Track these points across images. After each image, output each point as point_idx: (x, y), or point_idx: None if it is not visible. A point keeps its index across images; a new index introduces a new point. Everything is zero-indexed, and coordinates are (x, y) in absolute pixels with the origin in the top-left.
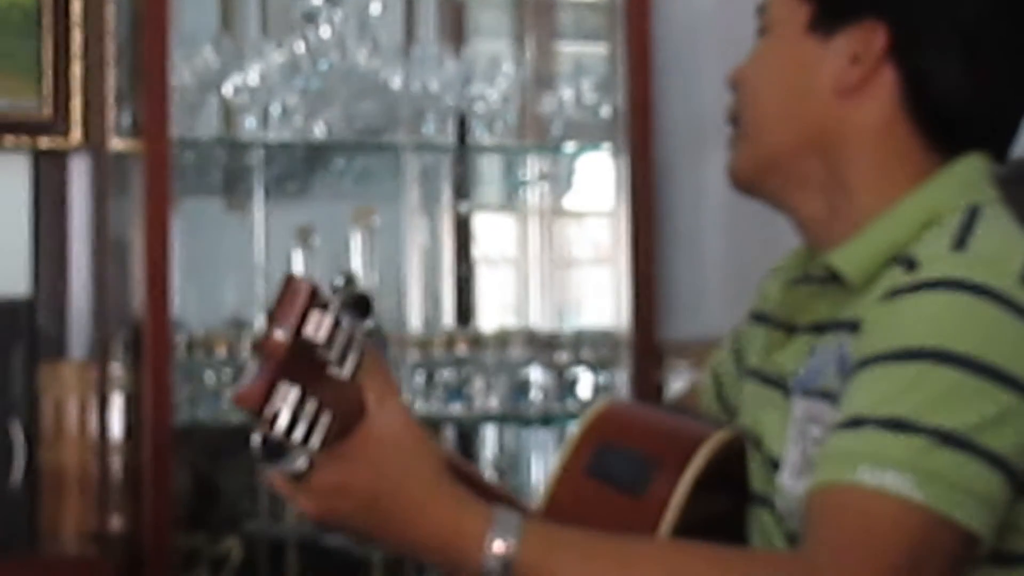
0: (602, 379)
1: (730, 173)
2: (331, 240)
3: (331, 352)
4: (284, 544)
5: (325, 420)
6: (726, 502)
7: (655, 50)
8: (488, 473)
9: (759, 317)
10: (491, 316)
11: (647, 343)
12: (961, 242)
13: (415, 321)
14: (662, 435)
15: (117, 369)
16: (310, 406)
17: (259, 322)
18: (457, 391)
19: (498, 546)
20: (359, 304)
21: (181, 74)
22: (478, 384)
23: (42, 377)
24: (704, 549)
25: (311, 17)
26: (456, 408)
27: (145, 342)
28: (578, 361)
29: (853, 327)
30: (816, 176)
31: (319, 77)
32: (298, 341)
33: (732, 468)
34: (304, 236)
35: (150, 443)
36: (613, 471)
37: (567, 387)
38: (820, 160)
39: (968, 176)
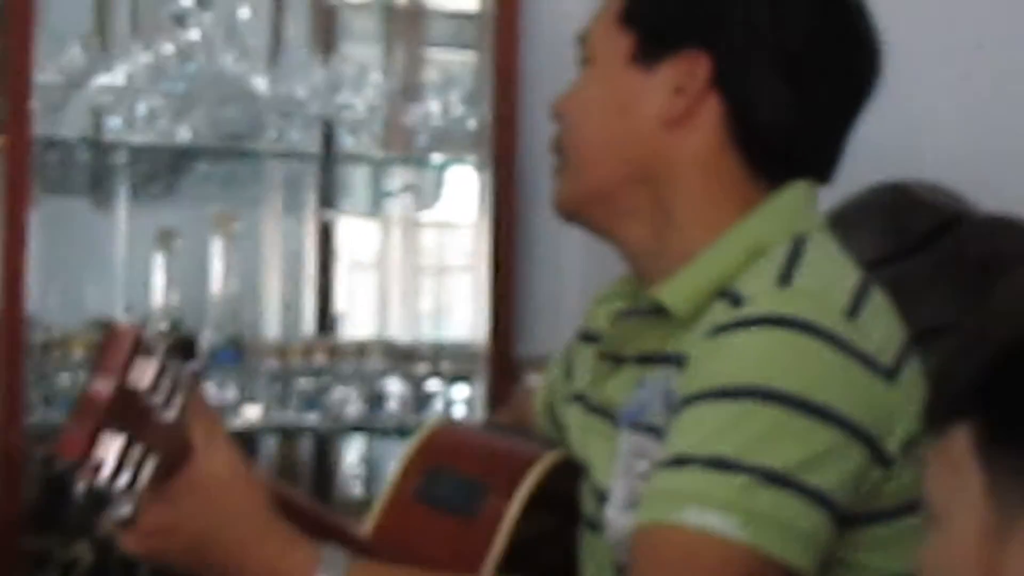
0: (459, 392)
1: (554, 203)
2: (193, 244)
3: (156, 397)
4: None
5: (151, 464)
6: (559, 522)
7: (523, 62)
8: (348, 483)
9: (588, 337)
10: (352, 326)
11: (504, 357)
12: (786, 277)
13: (273, 329)
14: (492, 457)
15: None
16: (136, 452)
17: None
18: (315, 400)
19: None
20: (183, 348)
21: (46, 72)
22: (336, 394)
23: None
24: None
25: (180, 20)
26: (313, 418)
27: None
28: (436, 373)
29: (679, 361)
30: (642, 207)
31: (186, 80)
32: (122, 390)
33: (565, 488)
34: (165, 240)
35: (1, 443)
36: (443, 495)
37: (424, 399)
38: (646, 191)
39: (793, 205)
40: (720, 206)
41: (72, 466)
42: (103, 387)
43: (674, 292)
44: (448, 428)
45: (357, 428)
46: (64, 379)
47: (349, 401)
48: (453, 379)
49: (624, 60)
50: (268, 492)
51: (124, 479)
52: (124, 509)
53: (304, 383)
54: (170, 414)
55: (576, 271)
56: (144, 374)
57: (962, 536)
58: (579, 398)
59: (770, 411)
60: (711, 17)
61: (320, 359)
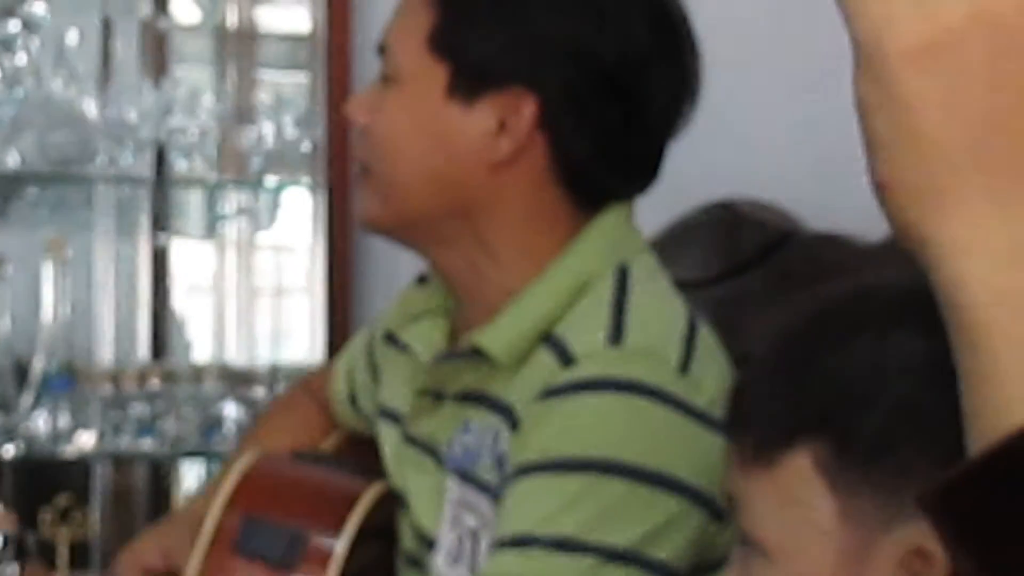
0: None
1: (360, 219)
2: (24, 270)
3: None
4: None
5: None
6: (384, 555)
7: (355, 83)
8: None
9: (392, 340)
10: (187, 350)
11: None
12: (616, 331)
13: (107, 354)
14: (310, 499)
15: None
16: None
17: None
18: (150, 426)
19: None
20: None
21: None
22: (171, 419)
23: None
24: None
25: (7, 45)
26: (148, 443)
27: None
28: (272, 396)
29: (509, 415)
30: (458, 237)
31: (13, 105)
32: None
33: (387, 519)
34: None
35: None
36: (262, 547)
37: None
38: (463, 224)
39: (612, 232)
40: (541, 239)
41: None
42: None
43: (496, 339)
44: (260, 467)
45: (193, 453)
46: None
47: (185, 425)
48: None
49: (440, 92)
50: None
51: None
52: None
53: (139, 408)
54: None
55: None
56: None
57: (813, 566)
58: (393, 418)
59: (612, 485)
60: (535, 57)
61: (155, 384)
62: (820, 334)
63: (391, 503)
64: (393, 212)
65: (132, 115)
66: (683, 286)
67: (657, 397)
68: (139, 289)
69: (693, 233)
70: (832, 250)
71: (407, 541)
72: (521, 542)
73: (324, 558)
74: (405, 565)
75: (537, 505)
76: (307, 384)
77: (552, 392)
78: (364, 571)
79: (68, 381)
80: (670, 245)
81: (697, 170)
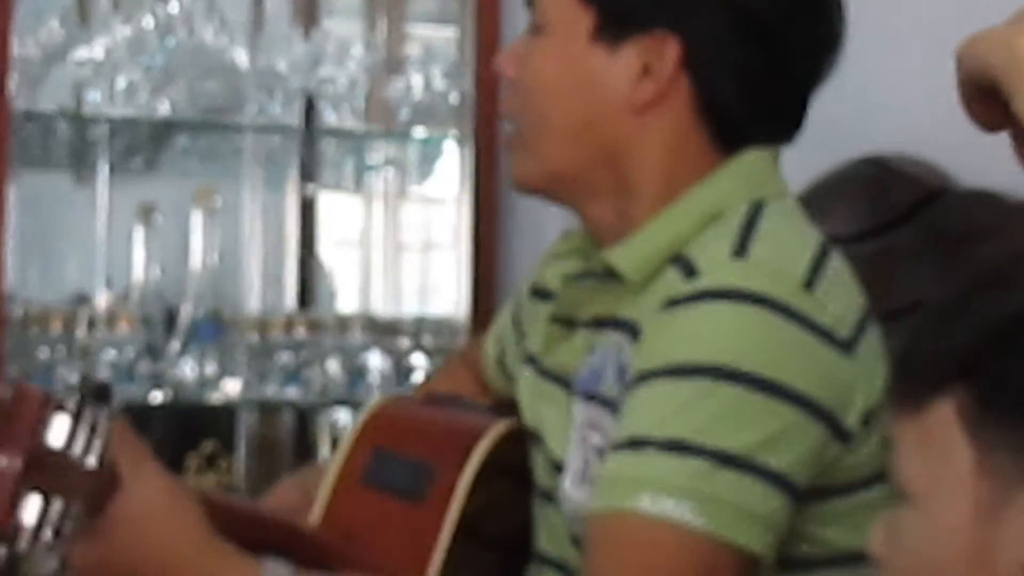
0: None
1: (514, 180)
2: (173, 218)
3: (74, 449)
4: None
5: (74, 512)
6: (511, 492)
7: (504, 36)
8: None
9: (538, 294)
10: (333, 300)
11: (486, 330)
12: (742, 247)
13: (254, 303)
14: (438, 435)
15: None
16: (55, 507)
17: (99, 299)
18: (295, 375)
19: None
20: (98, 393)
21: (26, 45)
22: (316, 368)
23: None
24: None
25: None
26: (293, 392)
27: None
28: (417, 347)
29: (632, 330)
30: (605, 186)
31: (165, 54)
32: (35, 455)
33: (515, 458)
34: (146, 214)
35: None
36: (390, 478)
37: (405, 373)
38: (610, 171)
39: (751, 170)
40: (681, 177)
41: None
42: (12, 460)
43: (627, 256)
44: (391, 407)
45: (338, 402)
46: (43, 352)
47: (330, 375)
48: (435, 353)
49: (585, 37)
50: (203, 510)
51: (46, 536)
52: (49, 565)
53: (285, 357)
54: (91, 460)
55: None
56: (59, 432)
57: (949, 515)
58: (532, 361)
59: (727, 390)
60: (680, 0)
61: (301, 333)
62: (976, 286)
63: (522, 443)
64: (544, 167)
65: (282, 65)
66: (832, 241)
67: (777, 309)
68: (286, 239)
69: (842, 188)
70: (983, 207)
71: (542, 478)
72: (634, 443)
73: (449, 489)
74: (541, 502)
75: (653, 409)
76: (465, 353)
77: (674, 302)
78: (492, 507)
79: (216, 329)
80: (819, 200)
81: (847, 124)
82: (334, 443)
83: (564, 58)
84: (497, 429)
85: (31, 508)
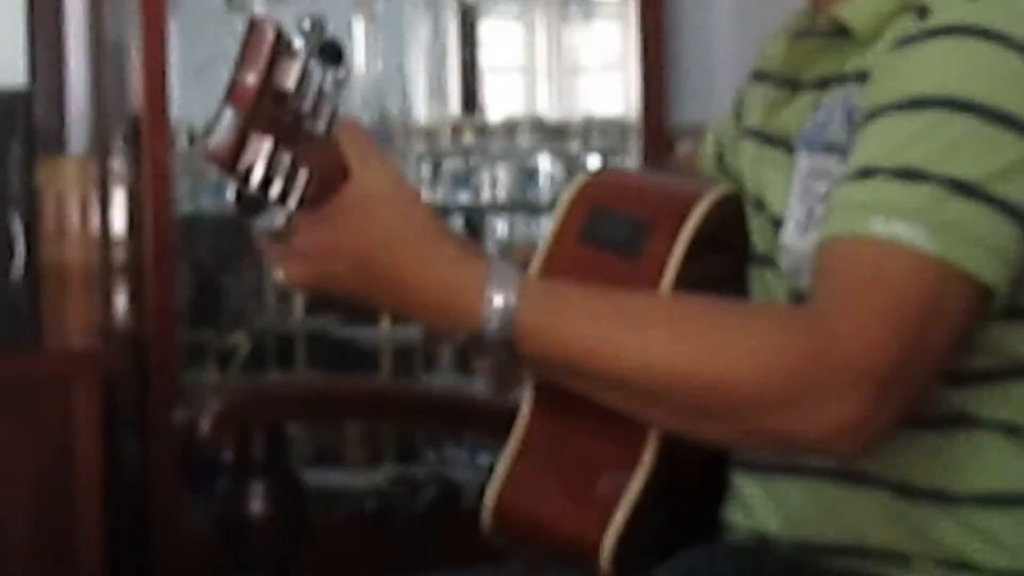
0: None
1: None
2: (335, 26)
3: (303, 102)
4: (292, 338)
5: (303, 176)
6: (726, 261)
7: None
8: None
9: (760, 76)
10: (499, 106)
11: (656, 128)
12: None
13: (420, 110)
14: (656, 197)
15: (118, 164)
16: (285, 159)
17: None
18: (464, 180)
19: (497, 300)
20: (329, 51)
21: None
22: (485, 173)
23: (42, 172)
24: (706, 300)
25: None
26: (463, 197)
27: (144, 135)
28: (587, 148)
29: (860, 78)
30: None
31: None
32: (267, 88)
33: (730, 227)
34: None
35: (151, 236)
36: (608, 235)
37: (576, 176)
38: None
39: None
40: None
41: (222, 168)
42: (250, 80)
43: (855, 9)
44: (611, 172)
45: (508, 207)
46: (211, 172)
47: (499, 179)
48: (605, 153)
49: None
50: (432, 210)
51: (276, 188)
52: (277, 219)
53: (453, 163)
54: (319, 125)
55: (727, 39)
56: (288, 75)
57: None
58: (754, 134)
59: (960, 120)
60: None
61: (468, 138)
62: None
63: (739, 215)
64: None
65: None
66: None
67: (1011, 45)
68: (449, 44)
69: None
70: None
71: (760, 243)
72: (863, 173)
73: (666, 249)
74: (758, 269)
75: (884, 140)
76: (675, 161)
77: (905, 40)
78: (707, 279)
79: (382, 136)
80: None
81: None
82: (504, 248)
83: None
84: (716, 192)
85: (262, 149)
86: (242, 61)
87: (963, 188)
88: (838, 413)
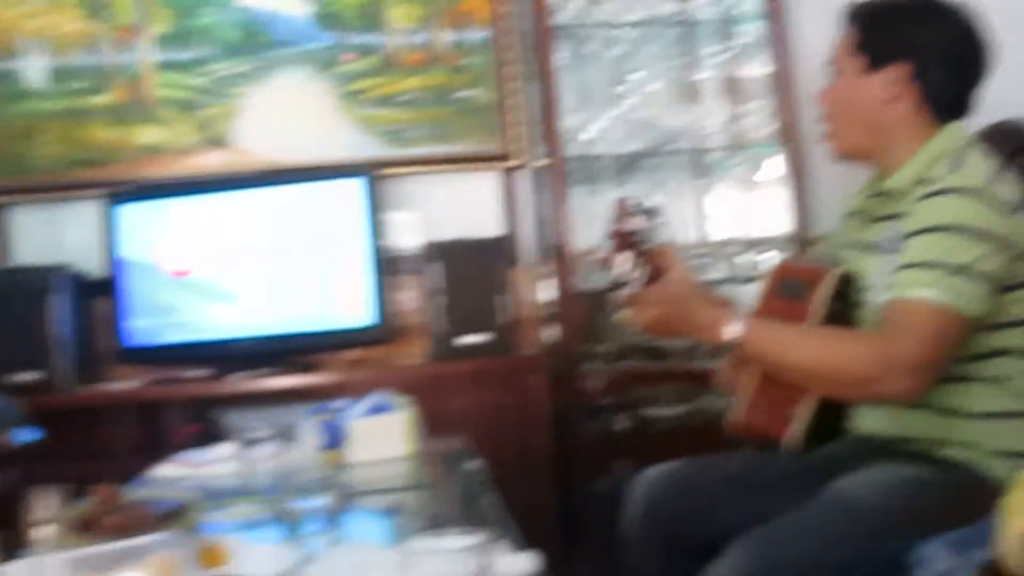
0: None
1: (831, 154)
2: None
3: (641, 236)
4: (632, 346)
5: (641, 271)
6: (842, 305)
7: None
8: None
9: (851, 214)
10: (718, 231)
11: (803, 244)
12: (956, 167)
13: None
14: (809, 271)
15: (546, 269)
16: (637, 262)
17: None
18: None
19: (734, 327)
20: (649, 213)
21: None
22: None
23: (510, 274)
24: (835, 328)
25: None
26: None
27: (564, 255)
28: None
29: (900, 216)
30: (877, 144)
31: None
32: (624, 232)
33: (845, 288)
34: None
35: (563, 303)
36: (788, 291)
37: (771, 264)
38: (878, 136)
39: (957, 133)
40: (916, 137)
41: (606, 268)
42: (615, 229)
43: (896, 182)
44: (785, 260)
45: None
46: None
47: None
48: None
49: (859, 70)
50: (705, 290)
51: (634, 274)
52: (631, 287)
53: (699, 262)
54: (647, 246)
55: (828, 199)
56: (635, 225)
57: None
58: (852, 242)
59: (954, 235)
60: (909, 46)
61: (700, 250)
62: None
63: (848, 282)
64: (846, 144)
65: None
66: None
67: (974, 195)
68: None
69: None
70: None
71: (858, 298)
72: (908, 266)
73: (816, 297)
74: (858, 312)
75: (916, 248)
76: (815, 253)
77: (922, 197)
78: (840, 316)
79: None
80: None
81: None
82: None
83: (849, 85)
84: (838, 269)
85: (626, 259)
86: (614, 221)
87: (959, 269)
88: (900, 385)
